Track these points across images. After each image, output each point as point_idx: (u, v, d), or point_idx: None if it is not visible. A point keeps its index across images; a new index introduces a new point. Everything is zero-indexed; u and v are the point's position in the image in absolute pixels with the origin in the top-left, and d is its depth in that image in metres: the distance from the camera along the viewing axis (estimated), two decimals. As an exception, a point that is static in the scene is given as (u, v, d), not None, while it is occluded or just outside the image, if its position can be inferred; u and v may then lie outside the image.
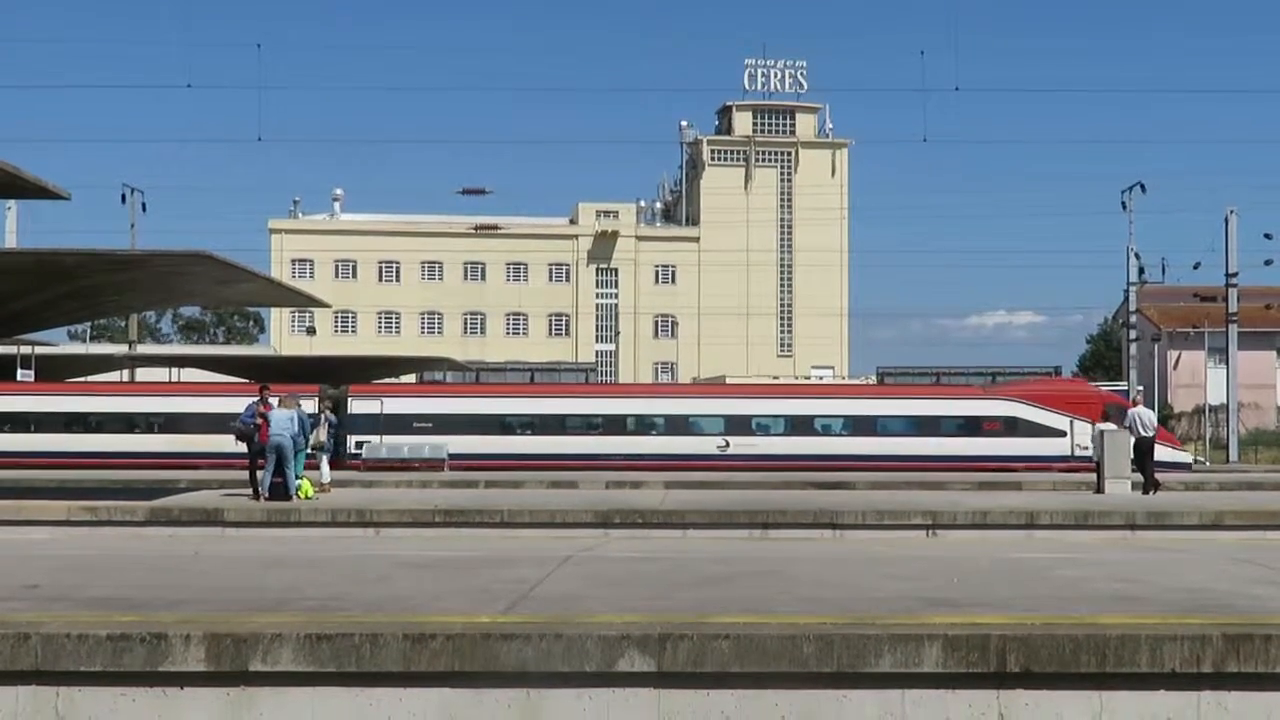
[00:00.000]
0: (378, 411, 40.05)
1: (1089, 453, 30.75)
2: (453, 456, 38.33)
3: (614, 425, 40.37)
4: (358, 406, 40.42)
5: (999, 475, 33.50)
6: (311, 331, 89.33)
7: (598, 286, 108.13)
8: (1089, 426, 32.72)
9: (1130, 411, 28.04)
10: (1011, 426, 39.32)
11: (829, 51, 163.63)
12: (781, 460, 37.83)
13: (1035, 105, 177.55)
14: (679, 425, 40.34)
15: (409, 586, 10.43)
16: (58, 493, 25.71)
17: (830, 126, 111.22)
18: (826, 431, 40.28)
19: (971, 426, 39.66)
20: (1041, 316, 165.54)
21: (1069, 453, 38.19)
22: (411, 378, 55.88)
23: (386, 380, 44.14)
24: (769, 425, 40.47)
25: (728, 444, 39.52)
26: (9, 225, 60.47)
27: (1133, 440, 27.18)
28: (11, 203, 57.35)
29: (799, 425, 40.07)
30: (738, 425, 40.10)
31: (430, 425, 39.85)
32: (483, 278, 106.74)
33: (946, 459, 37.84)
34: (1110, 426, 27.58)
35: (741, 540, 18.37)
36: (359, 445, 39.81)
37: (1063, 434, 38.79)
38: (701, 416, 40.81)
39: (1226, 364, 56.04)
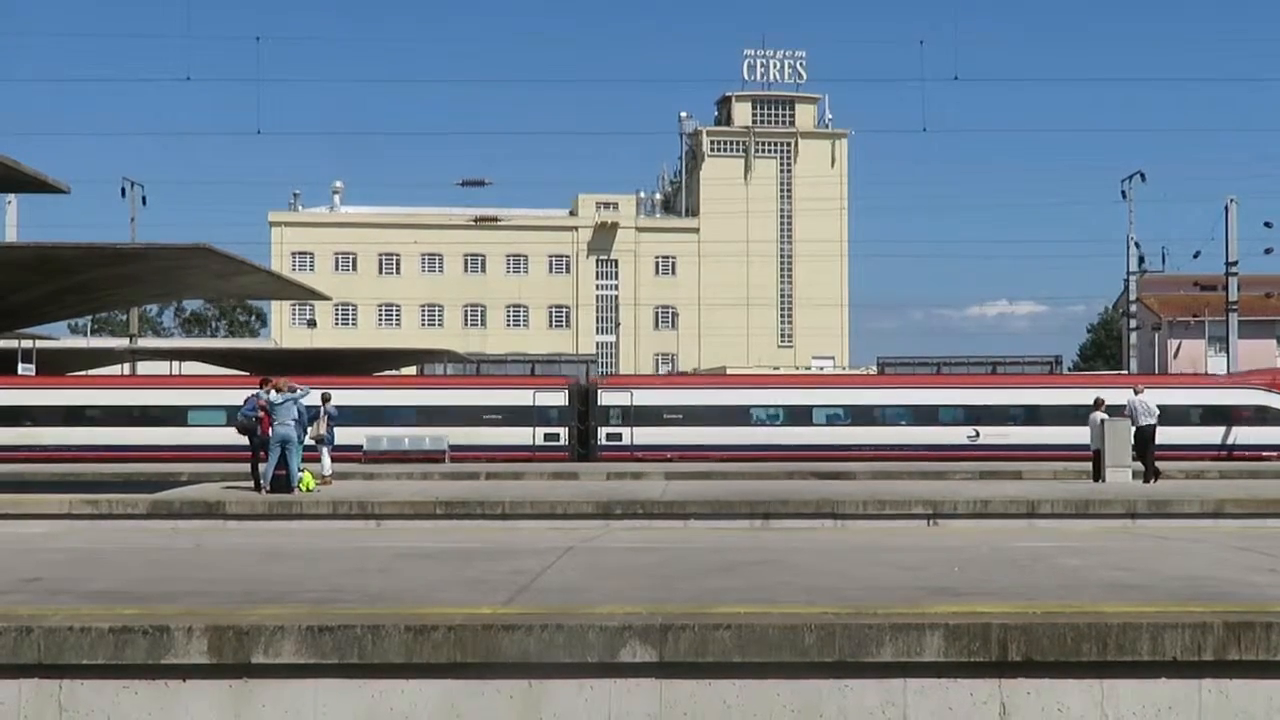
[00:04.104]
0: (628, 403, 39.98)
1: None
2: (700, 448, 38.31)
3: (862, 417, 40.13)
4: (608, 398, 40.37)
5: (999, 465, 33.55)
6: (312, 324, 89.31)
7: (598, 278, 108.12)
8: None
9: (1130, 400, 28.04)
10: (1261, 415, 39.76)
11: (828, 42, 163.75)
12: (1031, 450, 37.37)
13: (1034, 94, 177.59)
14: (927, 415, 40.06)
15: (410, 578, 10.44)
16: (58, 486, 25.73)
17: (830, 117, 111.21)
18: (1074, 419, 40.01)
19: (1220, 415, 39.97)
20: (1043, 306, 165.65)
21: None
22: (413, 369, 55.90)
23: (634, 372, 44.62)
24: (1016, 415, 39.89)
25: (978, 434, 39.29)
26: (8, 219, 60.43)
27: (1133, 429, 27.21)
28: (11, 196, 57.35)
29: (1046, 415, 39.35)
30: (987, 415, 39.72)
31: (680, 417, 39.85)
32: (483, 269, 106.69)
33: (1195, 447, 38.23)
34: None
35: (743, 530, 18.38)
36: (610, 438, 39.80)
37: None
38: (949, 406, 40.29)
39: (1227, 352, 55.98)
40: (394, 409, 40.14)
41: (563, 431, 39.82)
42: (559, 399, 40.22)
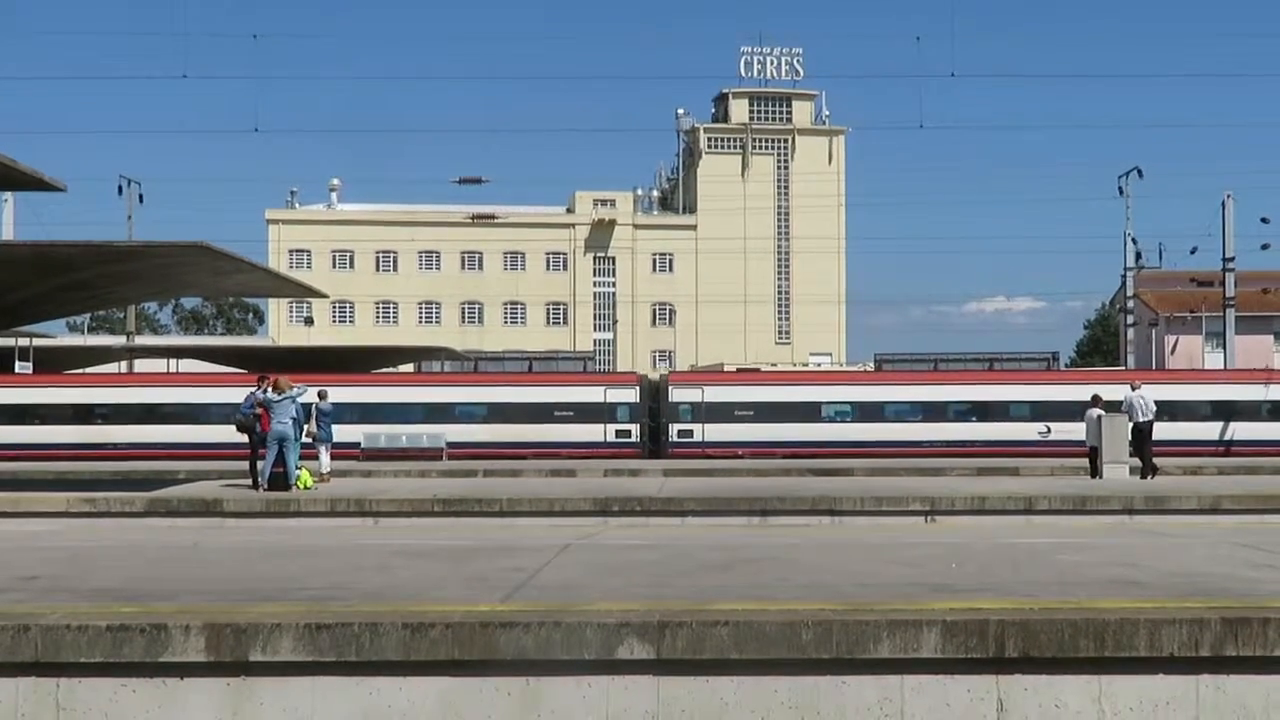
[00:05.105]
0: (699, 400, 39.96)
1: None
2: (772, 444, 38.39)
3: (934, 412, 40.21)
4: (679, 395, 40.38)
5: (997, 461, 33.54)
6: (309, 322, 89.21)
7: (595, 275, 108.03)
8: None
9: (1128, 395, 28.04)
10: None
11: (825, 38, 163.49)
12: None
13: (1031, 91, 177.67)
14: (999, 411, 40.13)
15: (408, 575, 10.44)
16: (56, 484, 25.73)
17: (827, 113, 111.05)
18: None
19: None
20: (1040, 302, 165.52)
21: None
22: (410, 367, 55.88)
23: (706, 368, 44.31)
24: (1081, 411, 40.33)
25: (1049, 430, 39.33)
26: (6, 217, 60.27)
27: (1130, 425, 27.22)
28: (8, 195, 57.24)
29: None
30: (1057, 411, 39.55)
31: (751, 413, 39.84)
32: (480, 267, 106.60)
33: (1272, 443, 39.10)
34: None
35: (740, 528, 18.38)
36: (681, 434, 39.77)
37: None
38: (1018, 402, 40.36)
39: (1224, 348, 55.99)
40: (462, 406, 40.00)
41: (634, 429, 39.83)
42: (630, 396, 40.24)
